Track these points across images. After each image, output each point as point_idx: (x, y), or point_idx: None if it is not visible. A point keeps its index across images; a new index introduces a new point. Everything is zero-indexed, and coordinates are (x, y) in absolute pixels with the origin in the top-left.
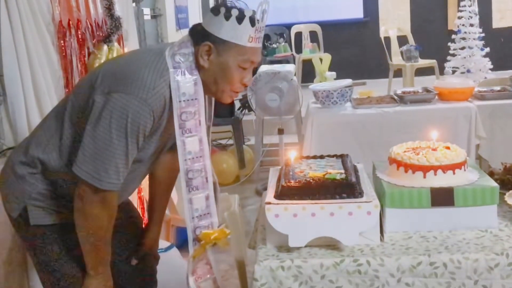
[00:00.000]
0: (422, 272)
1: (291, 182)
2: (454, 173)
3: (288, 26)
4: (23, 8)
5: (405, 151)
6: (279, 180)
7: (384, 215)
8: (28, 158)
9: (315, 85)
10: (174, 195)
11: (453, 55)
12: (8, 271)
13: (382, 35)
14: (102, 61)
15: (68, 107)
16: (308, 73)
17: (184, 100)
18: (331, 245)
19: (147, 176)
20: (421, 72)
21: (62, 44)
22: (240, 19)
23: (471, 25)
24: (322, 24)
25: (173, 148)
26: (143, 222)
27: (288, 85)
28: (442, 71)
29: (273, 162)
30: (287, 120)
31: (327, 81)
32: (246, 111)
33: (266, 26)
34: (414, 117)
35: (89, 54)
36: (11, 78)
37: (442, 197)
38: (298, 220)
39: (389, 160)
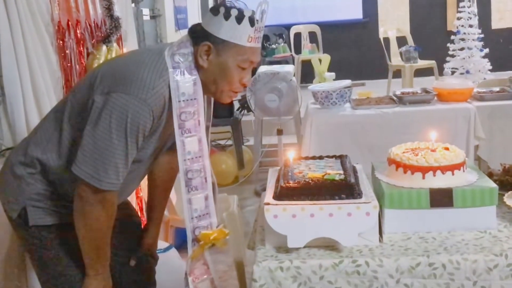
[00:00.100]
0: (421, 273)
1: (290, 183)
2: (453, 174)
3: (287, 27)
4: (22, 8)
5: (404, 152)
6: (278, 180)
7: (383, 216)
8: (27, 159)
9: (314, 86)
10: (173, 195)
11: (452, 56)
12: (7, 271)
13: (381, 35)
14: (101, 61)
15: (67, 107)
16: (307, 73)
17: (183, 100)
18: (330, 245)
19: (146, 177)
20: (420, 73)
21: (61, 44)
22: (239, 19)
23: (470, 26)
24: (321, 24)
25: (172, 149)
26: (142, 222)
27: (287, 86)
28: (441, 72)
29: (272, 163)
30: (286, 121)
31: (326, 81)
32: (245, 111)
33: (265, 26)
34: (413, 118)
35: (88, 54)
36: (10, 78)
37: (441, 198)
38: (297, 220)
39: (388, 161)
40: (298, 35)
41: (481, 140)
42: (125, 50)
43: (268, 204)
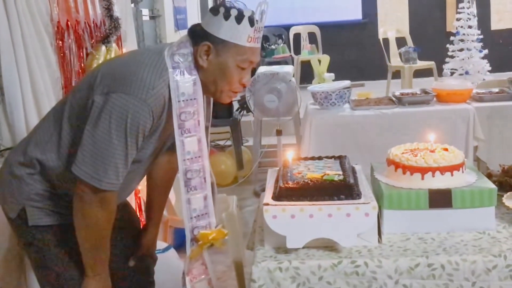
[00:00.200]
0: (420, 274)
1: (289, 183)
2: (452, 175)
3: (287, 27)
4: (21, 8)
5: (403, 153)
6: (277, 181)
7: (382, 217)
8: (27, 159)
9: (314, 86)
10: (172, 195)
11: (452, 56)
12: (6, 271)
13: (380, 36)
14: (100, 61)
15: (66, 107)
16: (306, 74)
17: (183, 100)
18: (329, 246)
19: (145, 177)
20: (420, 73)
21: (60, 45)
22: (239, 19)
23: (470, 27)
24: (321, 25)
25: (172, 149)
26: (141, 223)
27: (286, 86)
28: (440, 73)
29: (271, 163)
30: (285, 121)
31: (326, 82)
32: (245, 112)
33: (265, 27)
34: (412, 119)
35: (87, 54)
36: (9, 78)
37: (440, 199)
38: (296, 221)
39: (387, 162)
40: (297, 36)
41: (480, 141)
42: (124, 51)
43: (267, 204)
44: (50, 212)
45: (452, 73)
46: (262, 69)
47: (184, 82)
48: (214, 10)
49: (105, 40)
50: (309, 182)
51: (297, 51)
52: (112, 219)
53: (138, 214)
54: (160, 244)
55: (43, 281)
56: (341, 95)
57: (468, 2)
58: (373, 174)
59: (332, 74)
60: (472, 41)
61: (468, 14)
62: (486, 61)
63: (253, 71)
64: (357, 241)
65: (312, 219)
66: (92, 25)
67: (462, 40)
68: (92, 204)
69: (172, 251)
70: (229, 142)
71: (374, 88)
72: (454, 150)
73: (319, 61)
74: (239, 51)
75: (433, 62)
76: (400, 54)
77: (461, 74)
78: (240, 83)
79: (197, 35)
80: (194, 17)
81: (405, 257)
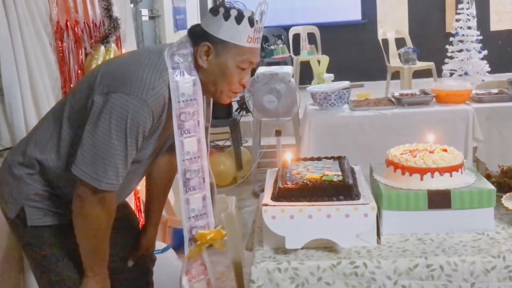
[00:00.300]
0: (419, 275)
1: (288, 184)
2: (451, 176)
3: (286, 28)
4: (20, 8)
5: (402, 154)
6: (276, 181)
7: (381, 217)
8: (26, 159)
9: (313, 87)
10: (171, 196)
11: (451, 57)
12: (5, 271)
13: (380, 37)
14: (99, 62)
15: (66, 107)
16: (306, 74)
17: (183, 101)
18: (328, 247)
19: (144, 177)
20: (419, 74)
21: (60, 45)
22: (239, 19)
23: (469, 27)
24: (320, 26)
25: (171, 149)
26: (140, 223)
27: (286, 87)
28: (439, 74)
29: (270, 164)
30: (284, 122)
31: (325, 83)
32: (244, 112)
33: (264, 27)
34: (411, 120)
35: (86, 55)
36: (9, 78)
37: (439, 200)
38: (295, 222)
39: (386, 162)
40: (297, 36)
41: (479, 142)
42: (123, 51)
43: (266, 205)
44: (49, 212)
45: (451, 74)
46: (261, 69)
47: (184, 82)
48: (214, 11)
49: (104, 40)
50: (308, 182)
51: (297, 51)
52: (112, 220)
53: (137, 214)
54: (159, 245)
55: (42, 281)
56: (341, 96)
57: (468, 3)
58: (372, 175)
59: (332, 75)
60: (472, 42)
61: (467, 15)
62: (485, 62)
63: (253, 72)
64: (356, 241)
65: (311, 219)
66: (92, 25)
67: (461, 41)
68: (92, 204)
69: (171, 252)
70: (228, 143)
71: (374, 89)
72: (453, 151)
73: (319, 61)
74: (239, 52)
75: (432, 63)
76: (399, 54)
77: (460, 75)
78: (240, 84)
79: (197, 35)
80: (193, 18)
81: (404, 258)
